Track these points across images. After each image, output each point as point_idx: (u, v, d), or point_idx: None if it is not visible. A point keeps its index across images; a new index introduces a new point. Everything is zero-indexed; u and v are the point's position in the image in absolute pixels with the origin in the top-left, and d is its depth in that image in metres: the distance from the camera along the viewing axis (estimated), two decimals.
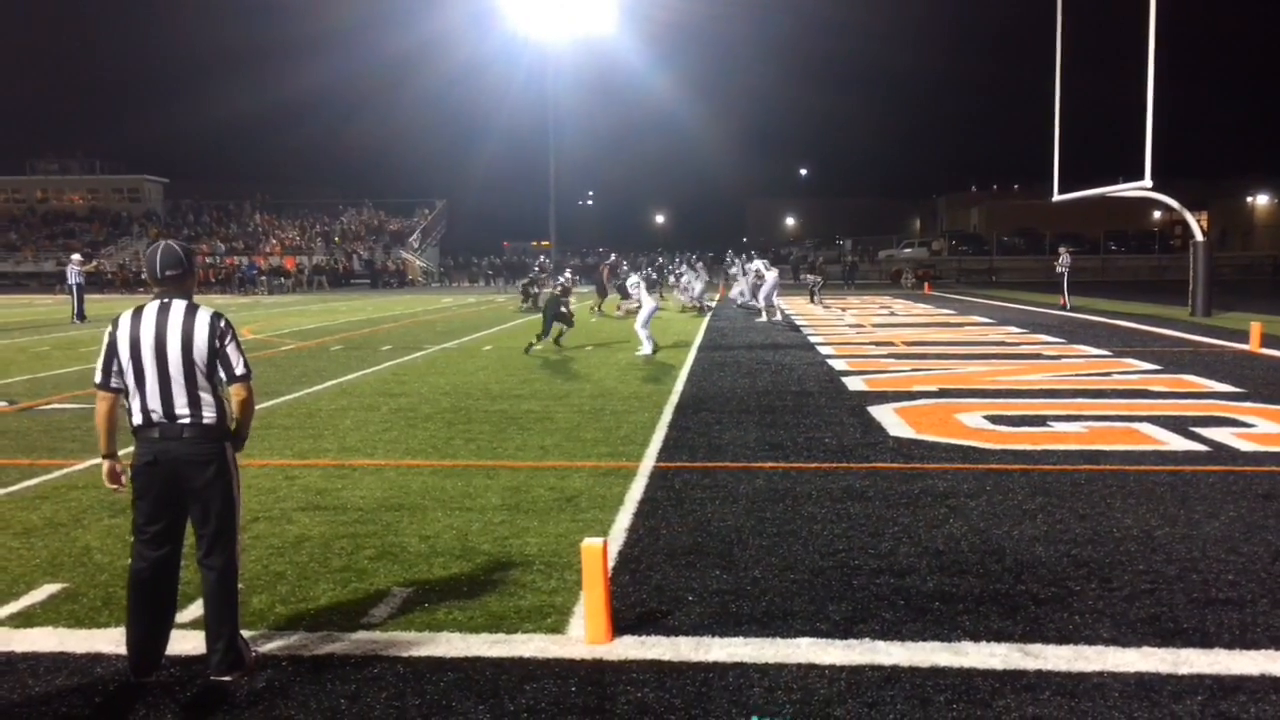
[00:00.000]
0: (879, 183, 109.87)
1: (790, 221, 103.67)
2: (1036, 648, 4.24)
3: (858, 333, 20.41)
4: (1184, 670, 4.00)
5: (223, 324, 4.08)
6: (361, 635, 4.47)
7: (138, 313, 4.05)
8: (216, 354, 4.03)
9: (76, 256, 30.31)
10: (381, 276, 57.71)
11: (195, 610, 4.54)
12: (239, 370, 4.08)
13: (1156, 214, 69.12)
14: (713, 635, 4.42)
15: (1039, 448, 8.35)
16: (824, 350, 16.76)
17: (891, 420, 9.75)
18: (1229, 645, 4.25)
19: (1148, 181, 22.50)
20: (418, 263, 62.80)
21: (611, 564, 5.40)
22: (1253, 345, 15.88)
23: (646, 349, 16.31)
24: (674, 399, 11.31)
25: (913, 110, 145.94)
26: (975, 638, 4.35)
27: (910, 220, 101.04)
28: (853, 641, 4.33)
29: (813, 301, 31.31)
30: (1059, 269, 28.52)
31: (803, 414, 10.22)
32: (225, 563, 4.07)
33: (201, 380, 4.00)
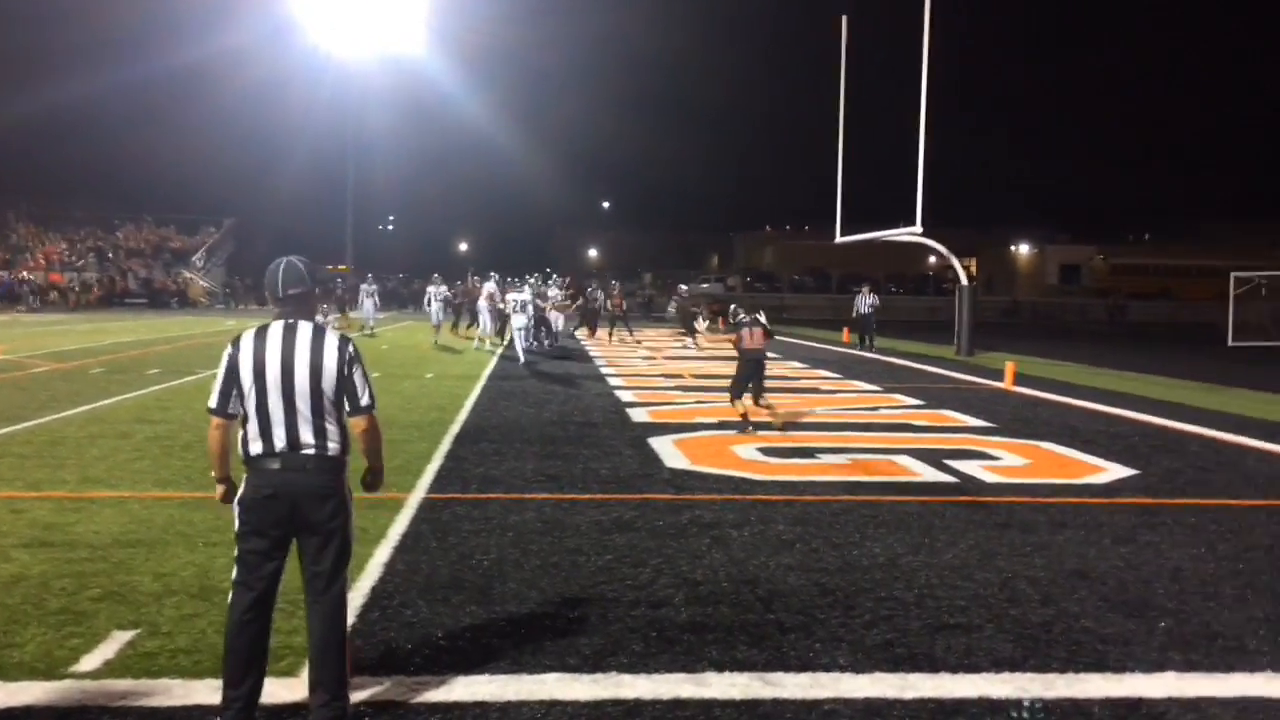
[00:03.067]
0: (680, 219, 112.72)
1: (594, 253, 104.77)
2: (777, 676, 4.32)
3: (649, 364, 20.72)
4: (909, 695, 4.16)
5: (351, 349, 3.83)
6: (69, 684, 4.09)
7: (261, 333, 3.77)
8: (344, 381, 3.79)
9: None
10: (161, 296, 54.52)
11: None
12: (364, 401, 3.88)
13: (932, 259, 73.75)
14: (458, 674, 4.29)
15: (804, 479, 8.64)
16: (614, 381, 16.90)
17: (669, 451, 9.89)
18: (953, 669, 4.46)
19: (918, 227, 24.00)
20: (201, 283, 59.71)
21: (362, 600, 5.19)
22: (1007, 383, 17.07)
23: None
24: (455, 429, 11.11)
25: (713, 150, 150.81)
26: (720, 668, 4.40)
27: (709, 256, 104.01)
28: (599, 675, 4.29)
29: (601, 332, 31.05)
30: (865, 309, 26.25)
31: (583, 445, 10.22)
32: (339, 605, 3.80)
33: (330, 409, 3.75)
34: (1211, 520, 7.40)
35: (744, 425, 11.36)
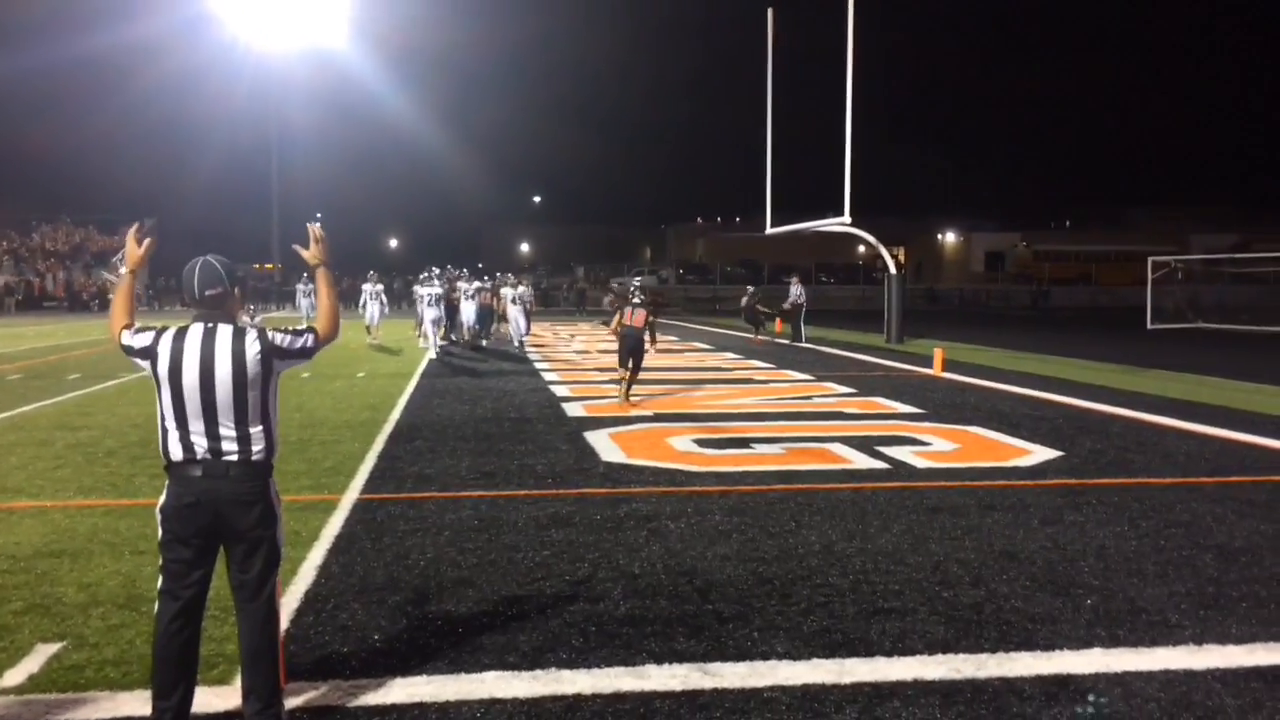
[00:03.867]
0: (611, 212, 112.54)
1: (525, 248, 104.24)
2: (716, 666, 4.35)
3: (583, 359, 20.70)
4: (846, 680, 4.22)
5: (270, 333, 3.73)
6: None
7: (180, 335, 3.64)
8: (286, 358, 3.76)
9: None
10: (80, 298, 53.05)
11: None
12: (310, 344, 3.82)
13: (861, 248, 74.68)
14: (395, 675, 4.24)
15: (740, 469, 8.70)
16: (548, 376, 16.87)
17: (605, 445, 9.89)
18: (888, 653, 4.53)
19: (847, 218, 24.33)
20: None
21: (296, 604, 5.12)
22: (935, 369, 17.38)
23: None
24: (388, 428, 10.98)
25: (643, 144, 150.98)
26: (659, 660, 4.42)
27: (641, 249, 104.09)
28: (539, 672, 4.28)
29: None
30: (796, 301, 25.25)
31: (519, 441, 10.18)
32: (269, 611, 3.72)
33: (254, 412, 3.64)
34: (1134, 499, 7.62)
35: (623, 394, 12.96)
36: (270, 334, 3.76)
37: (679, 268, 75.44)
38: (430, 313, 21.42)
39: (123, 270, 3.99)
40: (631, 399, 12.99)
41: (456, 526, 6.73)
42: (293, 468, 8.52)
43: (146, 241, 4.00)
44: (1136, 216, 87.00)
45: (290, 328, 3.85)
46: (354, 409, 12.58)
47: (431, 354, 20.56)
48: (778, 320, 27.68)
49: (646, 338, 12.97)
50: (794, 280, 26.15)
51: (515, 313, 23.28)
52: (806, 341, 24.66)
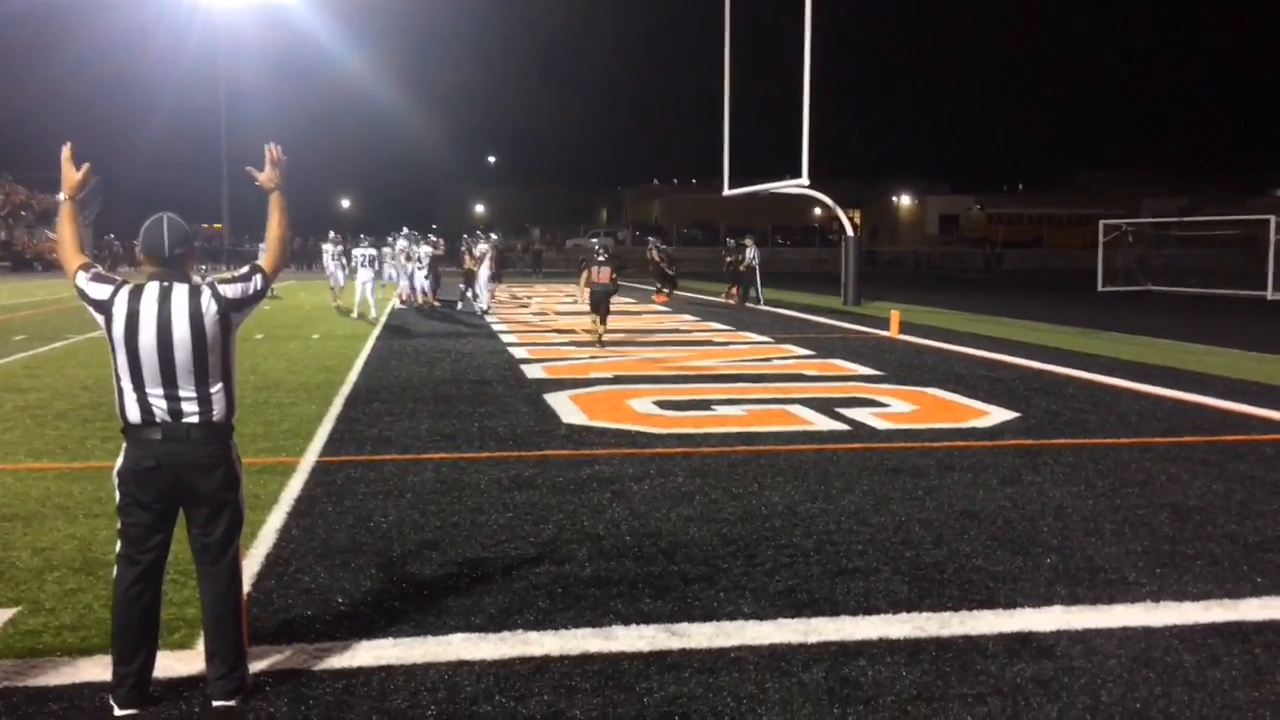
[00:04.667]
0: (567, 173, 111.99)
1: (480, 209, 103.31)
2: (682, 627, 4.36)
3: (541, 320, 20.60)
4: (813, 639, 4.24)
5: (220, 289, 3.64)
6: None
7: (136, 293, 3.52)
8: (242, 309, 3.66)
9: None
10: (23, 258, 51.84)
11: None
12: (260, 285, 3.72)
13: (817, 210, 74.85)
14: (361, 638, 4.20)
15: (702, 431, 8.71)
16: (506, 338, 16.76)
17: (566, 407, 9.85)
18: (853, 612, 4.56)
19: (804, 180, 24.32)
20: None
21: (257, 568, 5.05)
22: (892, 331, 17.50)
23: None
24: (346, 390, 10.86)
25: (600, 106, 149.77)
26: (626, 621, 4.41)
27: (598, 211, 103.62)
28: (506, 634, 4.26)
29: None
30: (751, 263, 25.44)
31: (479, 403, 10.11)
32: (232, 575, 3.69)
33: (213, 373, 3.55)
34: (1089, 459, 7.73)
35: (597, 341, 15.02)
36: (221, 289, 3.65)
37: (635, 229, 75.23)
38: (363, 274, 21.45)
39: (60, 198, 3.83)
40: (604, 342, 15.01)
41: (418, 489, 6.68)
42: (249, 430, 8.39)
43: (85, 166, 3.82)
44: (1089, 180, 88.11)
45: (233, 275, 3.76)
46: (310, 371, 12.42)
47: (362, 314, 20.77)
48: (732, 287, 27.07)
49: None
50: (750, 243, 26.11)
51: (483, 272, 23.00)
52: (764, 303, 24.82)
